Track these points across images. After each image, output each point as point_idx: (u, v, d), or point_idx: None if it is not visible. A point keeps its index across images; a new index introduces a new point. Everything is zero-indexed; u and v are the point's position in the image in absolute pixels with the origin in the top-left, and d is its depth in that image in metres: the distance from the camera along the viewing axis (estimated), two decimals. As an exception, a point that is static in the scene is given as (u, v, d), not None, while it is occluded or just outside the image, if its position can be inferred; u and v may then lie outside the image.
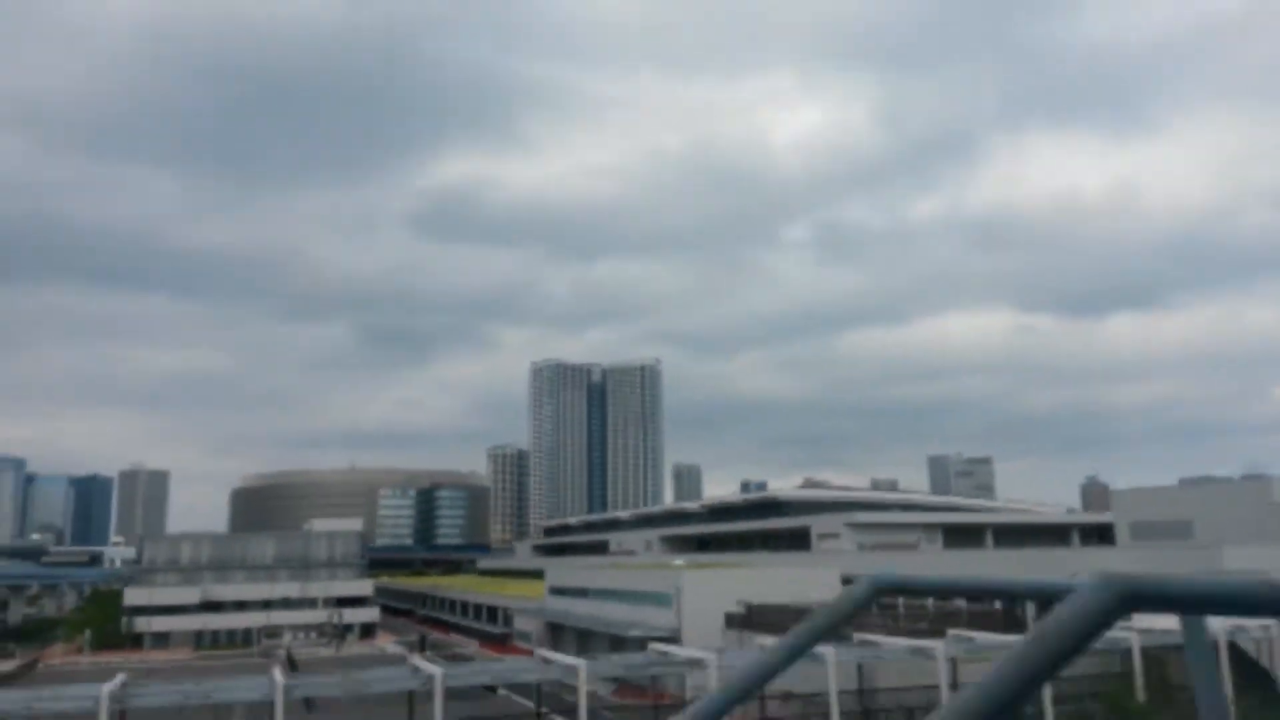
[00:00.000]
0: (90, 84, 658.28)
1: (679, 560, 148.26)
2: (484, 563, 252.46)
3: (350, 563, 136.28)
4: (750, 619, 63.67)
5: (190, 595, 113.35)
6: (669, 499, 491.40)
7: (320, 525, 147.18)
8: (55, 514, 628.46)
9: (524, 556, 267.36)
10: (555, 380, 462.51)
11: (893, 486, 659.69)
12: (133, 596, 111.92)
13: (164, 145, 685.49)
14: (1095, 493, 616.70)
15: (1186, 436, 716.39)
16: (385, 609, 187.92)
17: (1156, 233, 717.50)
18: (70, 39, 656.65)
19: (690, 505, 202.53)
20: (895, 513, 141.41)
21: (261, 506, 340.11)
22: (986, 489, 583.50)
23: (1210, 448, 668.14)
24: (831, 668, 42.76)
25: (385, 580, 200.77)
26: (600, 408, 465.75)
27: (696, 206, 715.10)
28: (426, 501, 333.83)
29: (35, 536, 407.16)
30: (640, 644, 59.98)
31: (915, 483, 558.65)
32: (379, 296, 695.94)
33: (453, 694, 43.81)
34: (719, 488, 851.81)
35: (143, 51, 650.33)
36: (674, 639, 68.01)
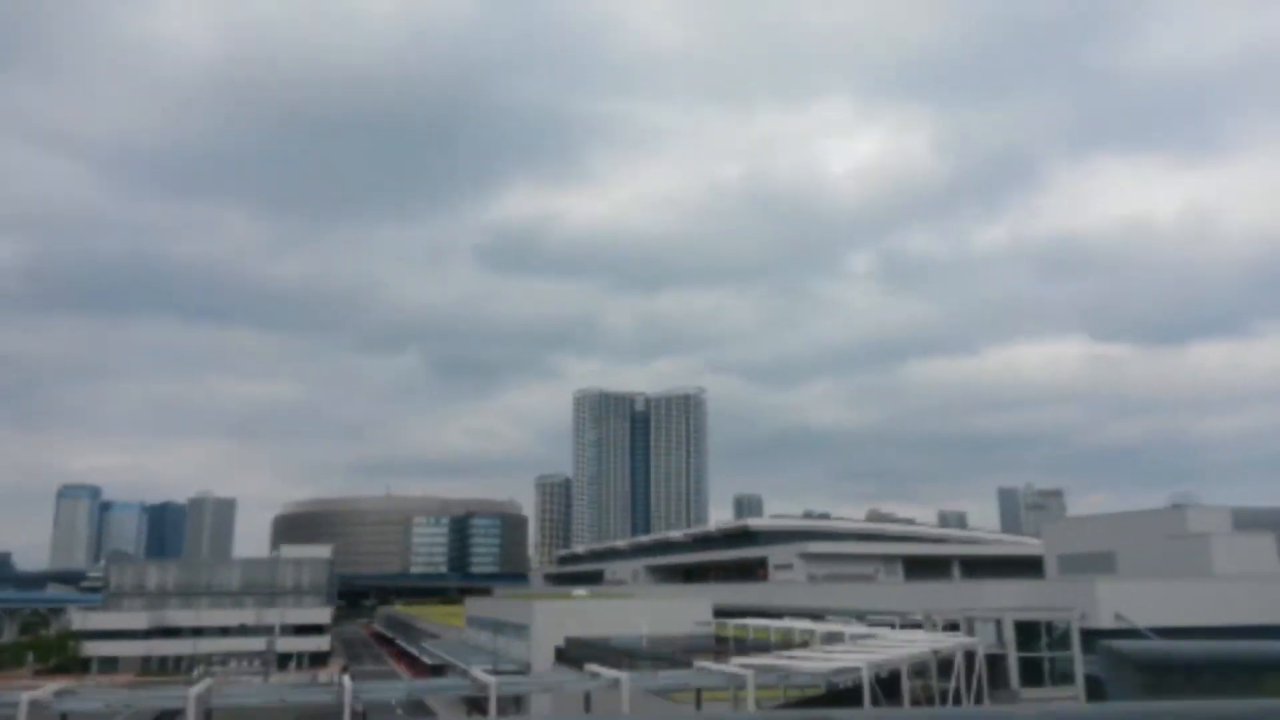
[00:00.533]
0: (172, 128, 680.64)
1: (649, 588, 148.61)
2: (505, 590, 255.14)
3: (317, 590, 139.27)
4: (568, 652, 64.67)
5: (138, 620, 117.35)
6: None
7: (289, 552, 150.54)
8: (128, 540, 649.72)
9: (537, 584, 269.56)
10: (598, 409, 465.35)
11: (961, 521, 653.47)
12: (81, 621, 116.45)
13: (243, 185, 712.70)
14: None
15: None
16: (379, 637, 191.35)
17: (1236, 258, 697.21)
18: (152, 85, 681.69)
19: (676, 535, 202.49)
20: (853, 543, 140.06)
21: (300, 533, 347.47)
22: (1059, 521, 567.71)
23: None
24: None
25: (400, 609, 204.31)
26: (644, 436, 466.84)
27: (756, 236, 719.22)
28: (460, 530, 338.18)
29: (100, 563, 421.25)
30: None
31: (985, 516, 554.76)
32: (448, 329, 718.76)
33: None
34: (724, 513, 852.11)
35: (222, 96, 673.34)
36: (524, 670, 69.30)
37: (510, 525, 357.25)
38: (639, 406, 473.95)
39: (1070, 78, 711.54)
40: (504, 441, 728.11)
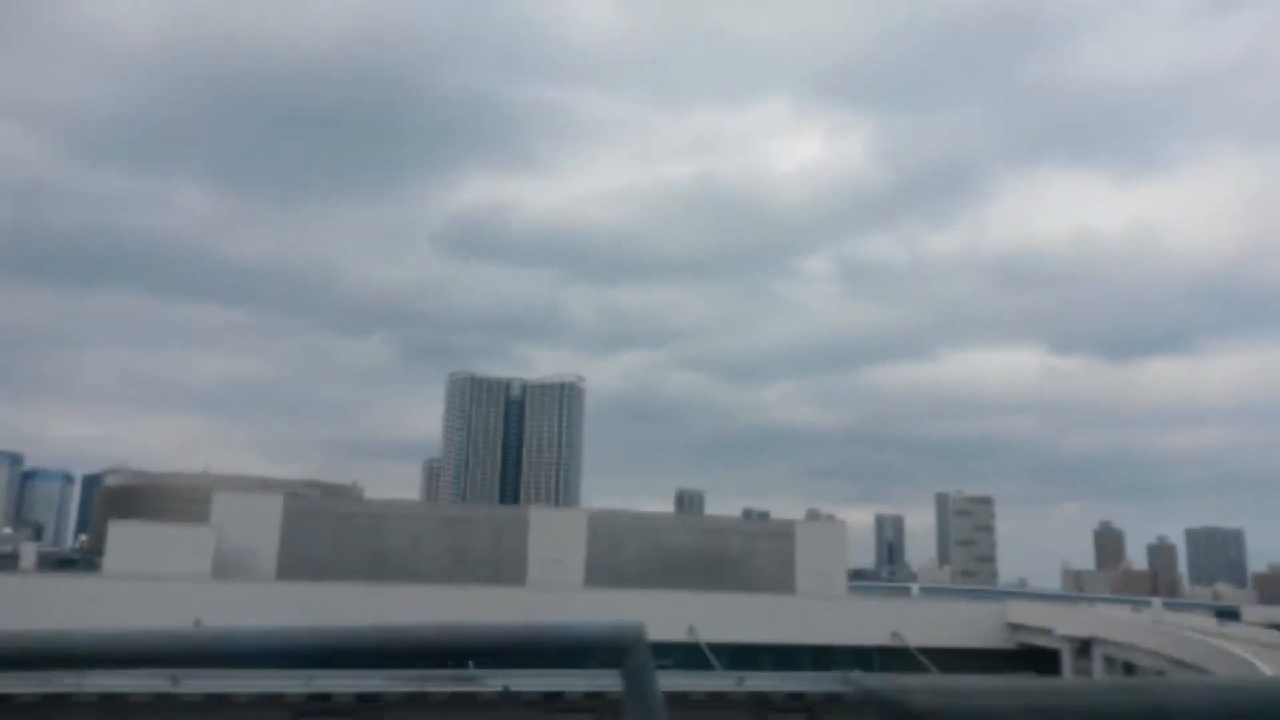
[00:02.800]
0: (126, 104, 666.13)
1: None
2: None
3: None
4: None
5: None
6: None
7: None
8: (50, 512, 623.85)
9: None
10: (471, 394, 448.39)
11: (898, 524, 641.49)
12: None
13: (201, 162, 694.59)
14: (1108, 538, 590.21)
15: (1242, 486, 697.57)
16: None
17: (1181, 276, 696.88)
18: (106, 62, 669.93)
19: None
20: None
21: (119, 508, 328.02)
22: (986, 529, 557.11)
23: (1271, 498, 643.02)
24: None
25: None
26: (519, 423, 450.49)
27: (708, 234, 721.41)
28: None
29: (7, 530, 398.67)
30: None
31: (922, 520, 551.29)
32: (413, 313, 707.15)
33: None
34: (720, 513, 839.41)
35: (175, 77, 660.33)
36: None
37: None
38: (515, 393, 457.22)
39: (1005, 91, 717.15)
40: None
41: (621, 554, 52.83)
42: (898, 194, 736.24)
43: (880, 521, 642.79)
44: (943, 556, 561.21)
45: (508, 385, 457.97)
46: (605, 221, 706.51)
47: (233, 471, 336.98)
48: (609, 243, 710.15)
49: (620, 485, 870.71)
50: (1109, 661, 43.06)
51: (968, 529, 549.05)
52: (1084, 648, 44.47)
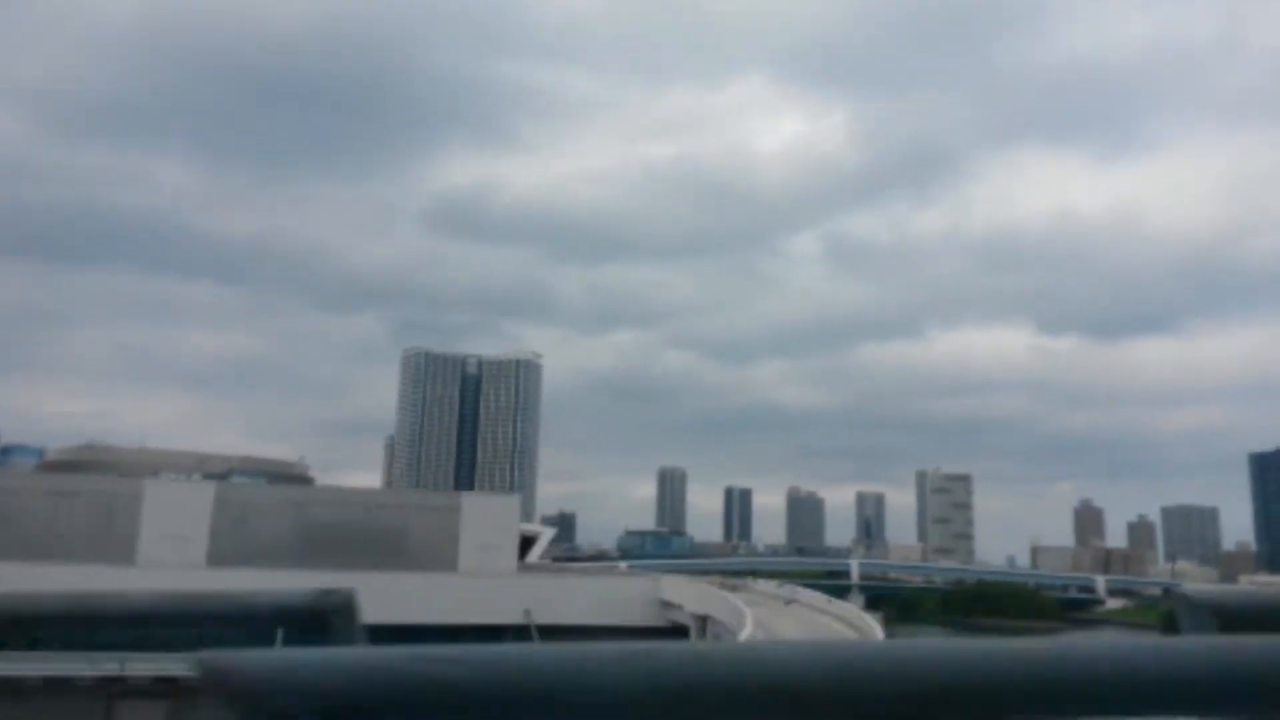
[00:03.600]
0: (104, 79, 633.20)
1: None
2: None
3: None
4: None
5: None
6: (540, 494, 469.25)
7: None
8: None
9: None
10: (426, 370, 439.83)
11: (880, 501, 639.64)
12: None
13: (182, 139, 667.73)
14: (1088, 516, 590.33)
15: (1230, 465, 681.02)
16: None
17: (1162, 257, 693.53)
18: (78, 33, 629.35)
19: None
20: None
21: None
22: (963, 507, 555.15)
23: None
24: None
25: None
26: (475, 400, 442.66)
27: (692, 213, 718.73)
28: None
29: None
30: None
31: (905, 498, 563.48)
32: (403, 291, 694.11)
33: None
34: (703, 495, 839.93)
35: (148, 47, 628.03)
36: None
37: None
38: (471, 369, 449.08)
39: (981, 73, 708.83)
40: None
41: (253, 530, 50.82)
42: (879, 174, 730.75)
43: (861, 499, 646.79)
44: (922, 534, 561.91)
45: (464, 361, 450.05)
46: (589, 201, 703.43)
47: (189, 448, 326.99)
48: (594, 222, 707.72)
49: (606, 463, 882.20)
50: (718, 636, 43.87)
51: (945, 506, 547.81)
52: (702, 623, 46.64)
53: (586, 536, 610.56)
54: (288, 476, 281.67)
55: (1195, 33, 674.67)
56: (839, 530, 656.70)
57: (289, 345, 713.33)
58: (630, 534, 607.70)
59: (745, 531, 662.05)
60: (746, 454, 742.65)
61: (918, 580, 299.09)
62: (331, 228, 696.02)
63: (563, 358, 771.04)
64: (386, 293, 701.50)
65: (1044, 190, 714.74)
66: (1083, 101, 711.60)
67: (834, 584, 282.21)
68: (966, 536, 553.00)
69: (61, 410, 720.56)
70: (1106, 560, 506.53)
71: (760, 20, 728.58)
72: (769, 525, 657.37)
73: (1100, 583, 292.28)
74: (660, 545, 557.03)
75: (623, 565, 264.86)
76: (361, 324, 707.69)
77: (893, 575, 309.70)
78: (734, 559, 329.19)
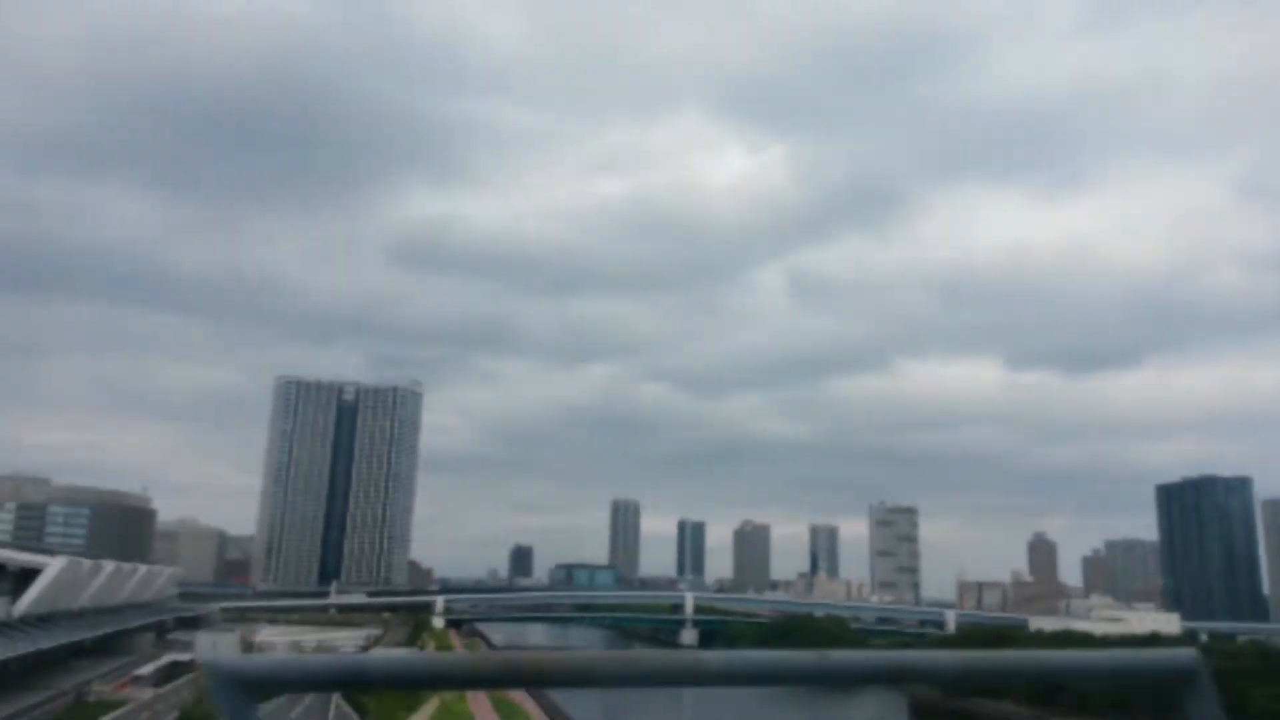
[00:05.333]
0: (56, 115, 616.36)
1: None
2: None
3: None
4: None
5: None
6: (415, 529, 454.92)
7: None
8: None
9: None
10: (298, 398, 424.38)
11: (833, 534, 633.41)
12: None
13: (142, 175, 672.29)
14: (1041, 550, 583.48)
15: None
16: None
17: (1118, 292, 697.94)
18: (22, 70, 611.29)
19: None
20: None
21: None
22: (908, 540, 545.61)
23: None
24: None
25: None
26: (350, 429, 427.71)
27: (648, 248, 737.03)
28: (31, 518, 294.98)
29: None
30: None
31: (857, 530, 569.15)
32: (372, 325, 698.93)
33: None
34: (658, 523, 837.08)
35: (97, 85, 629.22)
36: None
37: (117, 518, 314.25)
38: (347, 396, 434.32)
39: (915, 110, 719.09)
40: (453, 435, 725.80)
41: None
42: (826, 211, 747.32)
43: (815, 532, 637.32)
44: (873, 568, 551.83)
45: (340, 389, 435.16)
46: (547, 236, 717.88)
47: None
48: (553, 258, 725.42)
49: (578, 495, 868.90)
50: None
51: (890, 539, 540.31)
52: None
53: (544, 567, 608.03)
54: (120, 507, 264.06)
55: (1123, 70, 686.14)
56: (791, 562, 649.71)
57: (265, 376, 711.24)
58: (559, 567, 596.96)
59: (698, 564, 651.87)
60: (718, 486, 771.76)
61: (764, 615, 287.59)
62: (295, 262, 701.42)
63: (534, 390, 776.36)
64: (356, 326, 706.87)
65: (995, 226, 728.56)
66: (1021, 138, 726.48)
67: (671, 618, 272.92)
68: (911, 570, 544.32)
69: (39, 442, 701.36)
70: (979, 595, 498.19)
71: (692, 59, 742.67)
72: (719, 558, 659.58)
73: (950, 617, 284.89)
74: (584, 579, 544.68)
75: (439, 602, 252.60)
76: (332, 356, 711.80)
77: (739, 609, 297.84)
78: (573, 593, 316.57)
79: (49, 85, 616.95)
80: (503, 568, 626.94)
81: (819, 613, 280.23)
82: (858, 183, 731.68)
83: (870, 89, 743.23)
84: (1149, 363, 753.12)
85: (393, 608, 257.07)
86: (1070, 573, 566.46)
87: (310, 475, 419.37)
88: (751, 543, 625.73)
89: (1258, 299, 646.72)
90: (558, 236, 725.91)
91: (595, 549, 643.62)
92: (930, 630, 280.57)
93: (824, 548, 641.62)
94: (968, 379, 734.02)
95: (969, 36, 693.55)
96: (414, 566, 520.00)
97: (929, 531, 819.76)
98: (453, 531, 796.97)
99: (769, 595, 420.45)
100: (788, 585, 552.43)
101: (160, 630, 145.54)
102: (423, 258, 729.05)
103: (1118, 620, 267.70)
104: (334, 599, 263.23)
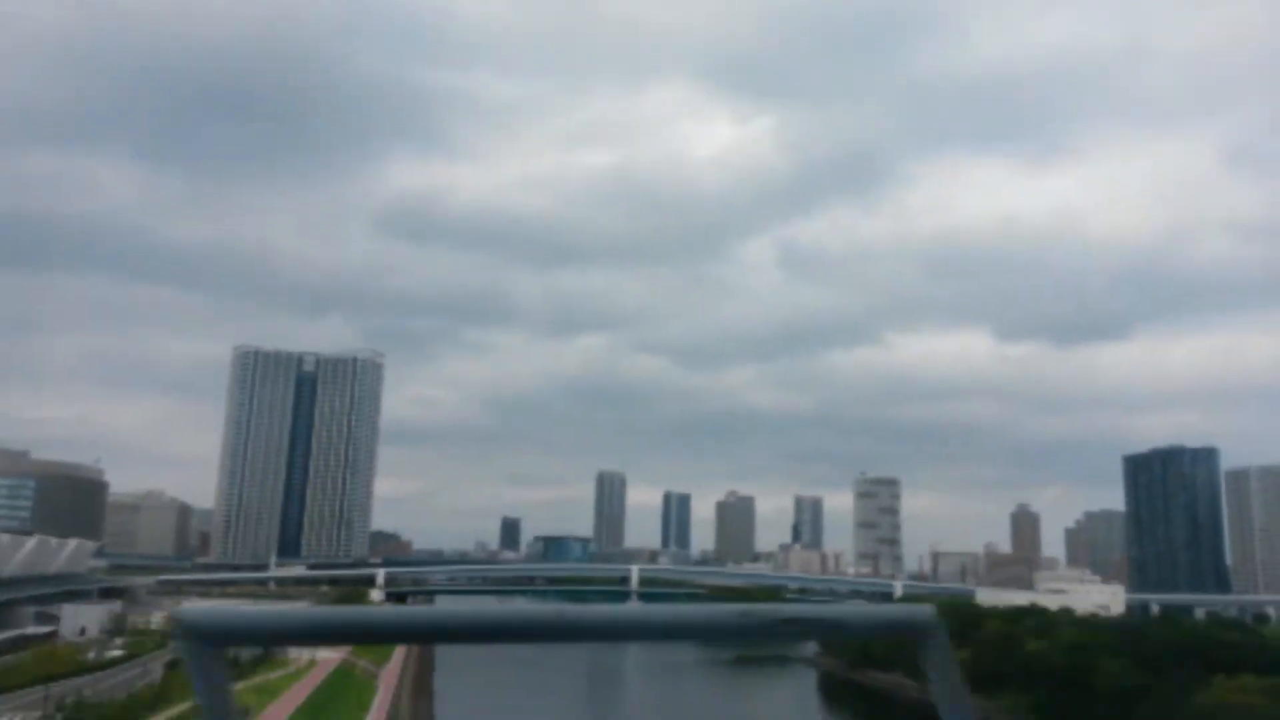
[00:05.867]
0: (40, 87, 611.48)
1: None
2: None
3: None
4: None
5: None
6: (378, 496, 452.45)
7: None
8: None
9: None
10: (259, 367, 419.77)
11: (817, 506, 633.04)
12: None
13: (128, 147, 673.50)
14: (1025, 521, 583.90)
15: None
16: None
17: (1106, 263, 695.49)
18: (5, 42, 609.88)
19: None
20: None
21: None
22: (889, 511, 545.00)
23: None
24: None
25: None
26: (309, 400, 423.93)
27: (635, 219, 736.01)
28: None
29: None
30: None
31: (846, 502, 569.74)
32: (365, 296, 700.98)
33: None
34: (651, 495, 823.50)
35: (80, 57, 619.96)
36: None
37: (65, 491, 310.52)
38: (307, 367, 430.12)
39: (900, 80, 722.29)
40: (446, 408, 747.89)
41: None
42: (812, 181, 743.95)
43: (799, 504, 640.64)
44: (856, 539, 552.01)
45: (300, 359, 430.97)
46: (534, 208, 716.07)
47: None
48: (541, 229, 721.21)
49: (572, 467, 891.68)
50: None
51: (871, 511, 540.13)
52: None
53: (535, 539, 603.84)
54: (69, 480, 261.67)
55: (1103, 40, 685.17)
56: (778, 534, 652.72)
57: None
58: (537, 539, 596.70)
59: (683, 536, 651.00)
60: (712, 458, 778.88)
61: (710, 583, 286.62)
62: (285, 233, 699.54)
63: (527, 362, 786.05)
64: (349, 297, 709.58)
65: (981, 197, 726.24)
66: (1004, 108, 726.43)
67: (618, 590, 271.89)
68: (892, 541, 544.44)
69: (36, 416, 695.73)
70: (935, 566, 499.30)
71: (677, 27, 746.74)
72: (706, 530, 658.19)
73: (898, 588, 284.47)
74: (559, 551, 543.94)
75: (380, 575, 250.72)
76: (329, 328, 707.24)
77: (708, 582, 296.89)
78: (517, 566, 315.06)
79: (27, 54, 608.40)
80: (494, 540, 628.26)
81: (793, 585, 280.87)
82: (844, 153, 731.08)
83: (854, 60, 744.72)
84: (1139, 333, 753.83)
85: (335, 581, 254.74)
86: (1055, 544, 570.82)
87: (269, 447, 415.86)
88: (735, 515, 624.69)
89: (1247, 269, 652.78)
90: (545, 208, 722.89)
91: (585, 521, 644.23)
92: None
93: (808, 519, 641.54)
94: (958, 351, 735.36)
95: (949, 4, 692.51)
96: (392, 539, 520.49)
97: (921, 504, 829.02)
98: (447, 503, 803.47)
99: (747, 567, 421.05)
100: (769, 557, 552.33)
101: (41, 602, 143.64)
102: (411, 229, 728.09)
103: (1060, 592, 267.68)
104: (273, 572, 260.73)
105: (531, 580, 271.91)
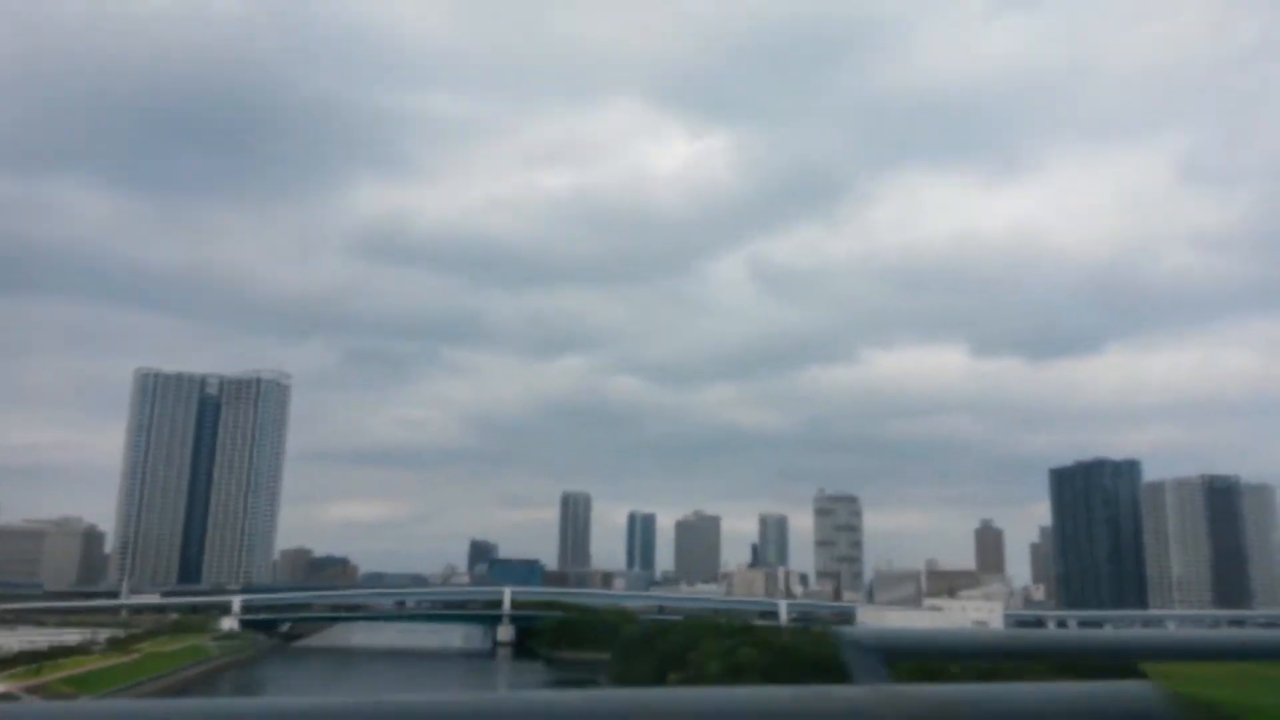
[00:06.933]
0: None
1: None
2: None
3: None
4: None
5: None
6: (282, 522, 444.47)
7: None
8: None
9: None
10: (156, 391, 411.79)
11: (782, 524, 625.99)
12: None
13: (93, 173, 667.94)
14: (987, 537, 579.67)
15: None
16: None
17: (1073, 278, 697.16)
18: None
19: None
20: None
21: None
22: (848, 529, 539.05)
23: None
24: None
25: None
26: (213, 422, 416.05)
27: (599, 240, 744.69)
28: None
29: None
30: None
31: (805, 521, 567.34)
32: (342, 319, 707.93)
33: None
34: (613, 514, 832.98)
35: (36, 84, 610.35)
36: None
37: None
38: (210, 389, 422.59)
39: (851, 98, 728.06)
40: (431, 430, 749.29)
41: None
42: (777, 200, 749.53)
43: (764, 522, 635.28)
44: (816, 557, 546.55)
45: (203, 381, 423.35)
46: (500, 228, 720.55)
47: None
48: (509, 250, 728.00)
49: (534, 488, 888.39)
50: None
51: (828, 529, 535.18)
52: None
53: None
54: None
55: (1050, 58, 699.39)
56: (745, 554, 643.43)
57: (241, 371, 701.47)
58: (483, 562, 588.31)
59: (647, 556, 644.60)
60: (698, 478, 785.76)
61: (580, 604, 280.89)
62: (258, 258, 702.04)
63: (511, 383, 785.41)
64: (327, 320, 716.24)
65: (944, 213, 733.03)
66: (958, 126, 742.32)
67: (490, 614, 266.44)
68: (851, 559, 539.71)
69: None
70: (787, 583, 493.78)
71: (625, 47, 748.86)
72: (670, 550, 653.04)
73: (783, 608, 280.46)
74: (501, 574, 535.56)
75: (236, 602, 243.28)
76: (311, 351, 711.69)
77: (563, 601, 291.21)
78: (393, 591, 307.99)
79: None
80: (465, 563, 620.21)
81: (692, 605, 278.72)
82: (801, 171, 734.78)
83: (804, 78, 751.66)
84: (1110, 348, 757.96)
85: (195, 608, 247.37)
86: (1021, 559, 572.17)
87: (170, 470, 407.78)
88: (697, 534, 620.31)
89: (1214, 281, 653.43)
90: (512, 228, 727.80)
91: (545, 543, 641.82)
92: (760, 623, 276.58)
93: (774, 538, 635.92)
94: (936, 366, 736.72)
95: (896, 24, 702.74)
96: (340, 563, 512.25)
97: (905, 521, 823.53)
98: (437, 526, 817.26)
99: (700, 589, 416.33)
100: (727, 578, 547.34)
101: None
102: (382, 251, 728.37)
103: (937, 609, 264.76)
104: (125, 599, 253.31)
105: (403, 605, 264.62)
